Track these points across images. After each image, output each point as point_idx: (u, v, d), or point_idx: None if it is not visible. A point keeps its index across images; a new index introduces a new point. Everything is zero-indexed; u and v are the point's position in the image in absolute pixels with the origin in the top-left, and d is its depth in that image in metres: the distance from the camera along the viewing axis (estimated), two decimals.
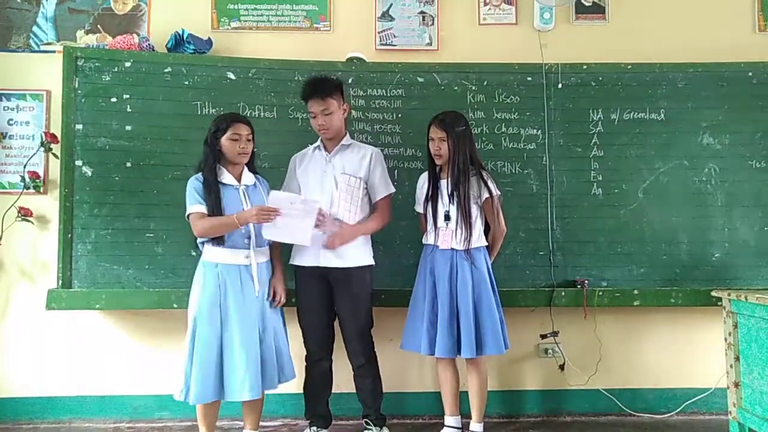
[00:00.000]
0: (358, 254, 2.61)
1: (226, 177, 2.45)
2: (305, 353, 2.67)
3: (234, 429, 2.62)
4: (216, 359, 2.33)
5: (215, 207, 2.37)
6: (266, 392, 2.46)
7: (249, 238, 2.43)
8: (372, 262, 2.67)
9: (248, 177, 2.52)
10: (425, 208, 2.69)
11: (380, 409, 2.73)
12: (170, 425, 2.99)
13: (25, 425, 3.00)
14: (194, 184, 2.43)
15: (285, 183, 2.69)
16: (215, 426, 2.48)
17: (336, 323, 2.68)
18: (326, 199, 2.56)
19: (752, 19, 3.28)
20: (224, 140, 2.42)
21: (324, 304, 2.62)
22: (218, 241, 2.39)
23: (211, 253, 2.42)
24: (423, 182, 2.74)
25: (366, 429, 2.70)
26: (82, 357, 3.05)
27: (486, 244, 2.67)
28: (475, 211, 2.61)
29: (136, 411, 3.05)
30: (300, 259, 2.61)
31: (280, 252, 2.62)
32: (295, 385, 2.89)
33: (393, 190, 2.73)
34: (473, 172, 2.61)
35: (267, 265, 2.52)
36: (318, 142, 2.69)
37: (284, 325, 2.56)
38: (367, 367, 2.65)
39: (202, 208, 2.38)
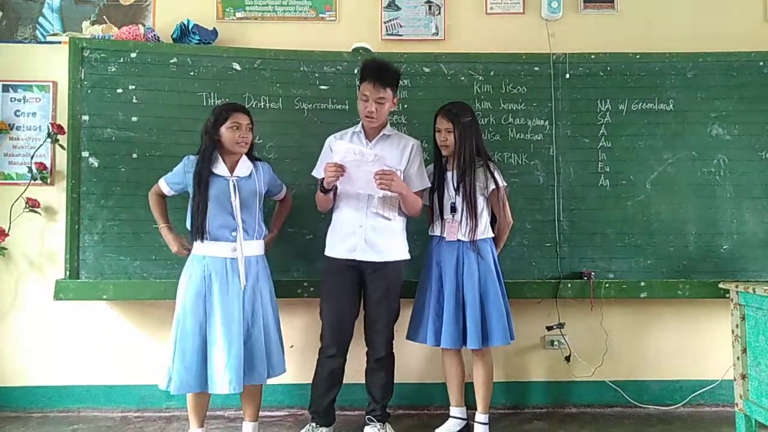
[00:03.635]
0: (395, 249, 2.58)
1: (220, 168, 2.43)
2: (320, 346, 2.63)
3: (240, 418, 2.65)
4: (199, 351, 2.33)
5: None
6: (268, 383, 2.48)
7: (236, 230, 2.41)
8: (408, 256, 2.63)
9: (244, 167, 2.48)
10: (431, 200, 2.68)
11: (386, 406, 2.69)
12: (177, 414, 3.01)
13: (35, 414, 3.03)
14: (186, 167, 2.46)
15: (320, 161, 2.63)
16: (205, 416, 2.49)
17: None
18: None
19: (763, 8, 3.24)
20: (224, 129, 2.41)
21: (351, 299, 2.56)
22: (200, 235, 2.38)
23: (198, 246, 2.41)
24: (429, 173, 2.72)
25: (369, 424, 2.66)
26: (90, 347, 3.08)
27: (492, 235, 2.66)
28: (481, 202, 2.60)
29: (143, 400, 3.08)
30: (333, 251, 2.57)
31: (281, 226, 2.74)
32: (301, 376, 2.91)
33: (428, 184, 2.65)
34: (480, 163, 2.60)
35: (260, 258, 2.50)
36: (358, 128, 2.62)
37: (277, 319, 2.53)
38: (384, 362, 2.61)
39: (164, 188, 2.52)
